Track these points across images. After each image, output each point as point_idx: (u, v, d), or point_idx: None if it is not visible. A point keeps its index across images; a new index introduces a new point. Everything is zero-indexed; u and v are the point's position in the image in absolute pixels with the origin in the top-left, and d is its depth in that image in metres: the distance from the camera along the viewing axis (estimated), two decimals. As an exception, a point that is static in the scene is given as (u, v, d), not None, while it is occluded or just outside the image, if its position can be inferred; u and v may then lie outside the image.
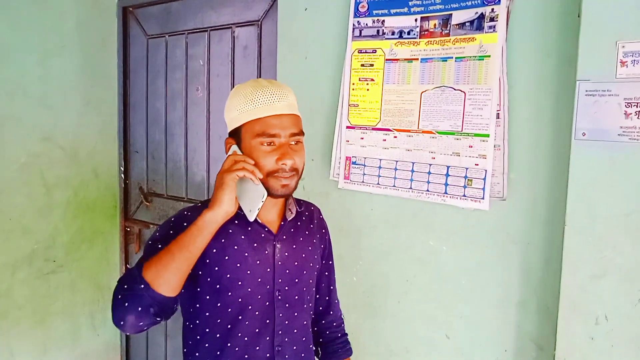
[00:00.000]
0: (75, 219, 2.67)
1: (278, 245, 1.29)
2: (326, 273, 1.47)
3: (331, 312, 1.49)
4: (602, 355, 1.28)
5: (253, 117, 1.19)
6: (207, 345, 1.27)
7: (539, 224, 1.48)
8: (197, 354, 1.29)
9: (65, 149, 2.60)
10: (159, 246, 1.17)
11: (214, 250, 1.23)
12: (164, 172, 2.68)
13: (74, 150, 2.64)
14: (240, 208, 1.23)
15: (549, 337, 1.44)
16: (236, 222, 1.25)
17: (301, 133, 1.24)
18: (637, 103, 1.21)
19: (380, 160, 1.74)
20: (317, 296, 1.45)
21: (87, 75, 2.66)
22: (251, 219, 1.20)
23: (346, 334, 1.52)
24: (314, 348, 1.41)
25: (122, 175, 2.84)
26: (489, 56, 1.50)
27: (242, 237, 1.25)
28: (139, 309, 1.09)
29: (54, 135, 2.55)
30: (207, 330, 1.27)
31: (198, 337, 1.28)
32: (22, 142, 2.44)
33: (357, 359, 1.88)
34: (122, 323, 1.11)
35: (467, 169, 1.56)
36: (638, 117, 1.21)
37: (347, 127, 1.81)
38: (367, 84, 1.75)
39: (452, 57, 1.58)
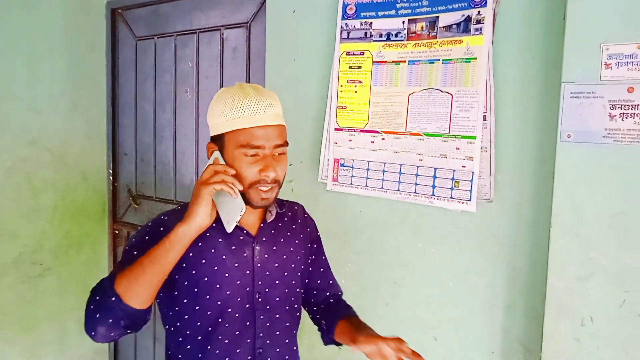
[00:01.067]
0: (63, 222, 2.65)
1: (257, 248, 1.27)
2: (321, 269, 1.45)
3: (329, 282, 1.47)
4: (588, 356, 1.28)
5: (237, 127, 1.17)
6: (188, 347, 1.26)
7: (526, 226, 1.48)
8: (179, 357, 1.28)
9: (53, 152, 2.58)
10: (135, 253, 1.16)
11: (191, 254, 1.22)
12: (153, 175, 2.66)
13: (62, 153, 2.61)
14: (218, 215, 1.21)
15: (536, 339, 1.44)
16: (214, 225, 1.23)
17: (285, 144, 1.22)
18: (622, 105, 1.21)
19: (369, 162, 1.74)
20: (315, 292, 1.44)
21: (75, 78, 2.64)
22: (229, 230, 1.19)
23: (342, 299, 1.48)
24: (296, 349, 1.40)
25: (111, 178, 2.82)
26: (476, 58, 1.51)
27: (220, 240, 1.24)
28: (110, 320, 1.09)
29: (41, 139, 2.53)
30: (188, 333, 1.26)
31: (180, 340, 1.27)
32: (9, 146, 2.41)
33: (345, 361, 1.88)
34: (93, 333, 1.11)
35: (454, 170, 1.56)
36: (622, 119, 1.21)
37: (336, 129, 1.80)
38: (355, 86, 1.75)
39: (439, 60, 1.58)
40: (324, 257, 1.48)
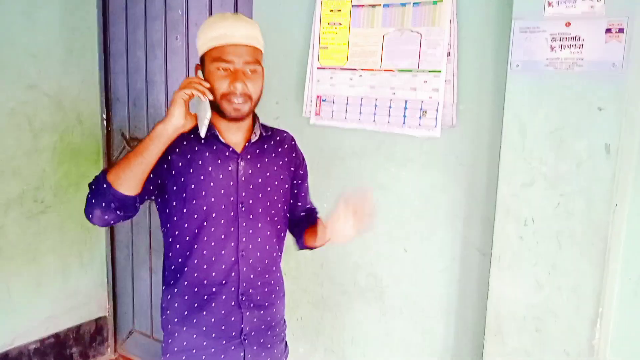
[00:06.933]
0: (62, 163, 2.81)
1: (242, 163, 1.48)
2: (302, 194, 1.68)
3: (307, 206, 1.71)
4: (529, 251, 1.55)
5: (213, 45, 1.38)
6: (178, 246, 1.49)
7: (483, 148, 1.72)
8: (170, 254, 1.52)
9: (51, 96, 2.72)
10: None
11: (180, 164, 1.44)
12: (146, 119, 2.83)
13: (59, 97, 2.76)
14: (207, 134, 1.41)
15: (489, 244, 1.69)
16: (202, 141, 1.45)
17: (256, 62, 1.41)
18: (560, 37, 1.44)
19: (348, 97, 1.95)
20: (293, 210, 1.66)
21: (69, 26, 2.76)
22: (201, 134, 1.40)
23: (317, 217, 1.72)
24: (277, 256, 1.61)
25: (105, 123, 2.98)
26: (442, 0, 1.71)
27: (207, 154, 1.45)
28: (103, 204, 1.33)
29: (39, 83, 2.66)
30: (177, 233, 1.48)
31: (170, 240, 1.51)
32: (10, 88, 2.55)
33: (327, 275, 2.13)
34: (90, 216, 1.36)
35: (422, 101, 1.78)
36: (561, 50, 1.44)
37: (318, 68, 2.01)
38: (336, 28, 1.95)
39: (410, 3, 1.78)
40: (306, 184, 1.70)
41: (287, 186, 1.61)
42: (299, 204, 1.67)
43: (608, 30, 1.37)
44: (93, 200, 1.34)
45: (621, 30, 1.35)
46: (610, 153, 1.40)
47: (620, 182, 1.42)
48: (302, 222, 1.66)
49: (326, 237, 1.51)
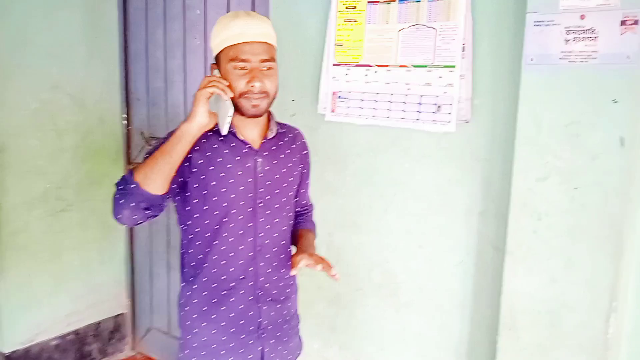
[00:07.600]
0: (84, 162, 2.88)
1: (259, 160, 1.50)
2: (302, 190, 1.71)
3: (303, 202, 1.74)
4: (543, 245, 1.54)
5: (228, 44, 1.39)
6: (198, 243, 1.51)
7: (498, 143, 1.72)
8: (190, 251, 1.54)
9: (73, 96, 2.79)
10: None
11: (200, 162, 1.45)
12: (165, 118, 2.88)
13: (81, 98, 2.82)
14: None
15: (503, 239, 1.69)
16: (221, 139, 1.47)
17: (272, 59, 1.43)
18: (575, 30, 1.44)
19: (363, 93, 1.97)
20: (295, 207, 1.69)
21: (90, 27, 2.83)
22: (223, 132, 1.42)
23: (309, 215, 1.77)
24: (290, 250, 1.64)
25: (125, 122, 3.04)
26: (456, -4, 1.72)
27: (226, 151, 1.48)
28: (132, 204, 1.34)
29: (62, 84, 2.73)
30: (198, 230, 1.50)
31: (191, 237, 1.53)
32: (33, 89, 2.62)
33: (342, 271, 2.14)
34: (120, 216, 1.37)
35: (437, 96, 1.79)
36: (576, 43, 1.44)
37: (334, 65, 2.03)
38: (351, 24, 1.97)
39: (425, -2, 1.80)
40: (308, 181, 1.73)
41: (299, 182, 1.65)
42: (296, 199, 1.69)
43: (623, 22, 1.37)
44: (122, 201, 1.35)
45: (636, 22, 1.35)
46: (625, 146, 1.39)
47: (636, 175, 1.42)
48: (295, 220, 1.70)
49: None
